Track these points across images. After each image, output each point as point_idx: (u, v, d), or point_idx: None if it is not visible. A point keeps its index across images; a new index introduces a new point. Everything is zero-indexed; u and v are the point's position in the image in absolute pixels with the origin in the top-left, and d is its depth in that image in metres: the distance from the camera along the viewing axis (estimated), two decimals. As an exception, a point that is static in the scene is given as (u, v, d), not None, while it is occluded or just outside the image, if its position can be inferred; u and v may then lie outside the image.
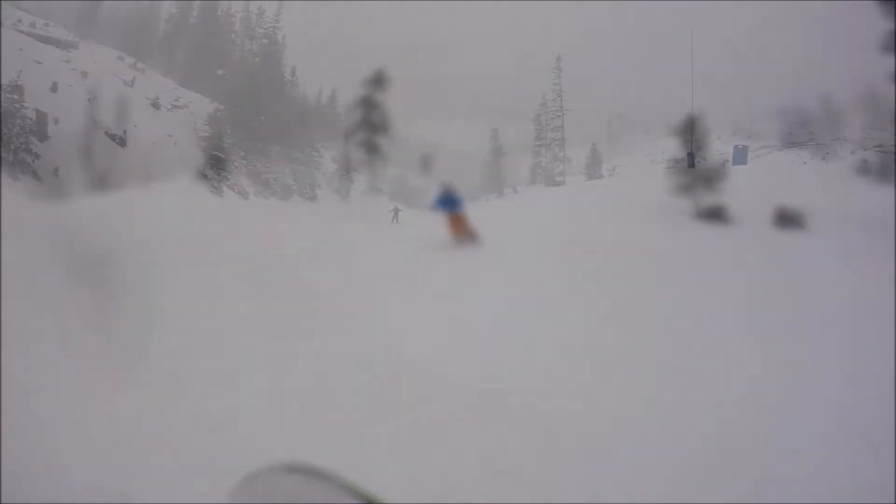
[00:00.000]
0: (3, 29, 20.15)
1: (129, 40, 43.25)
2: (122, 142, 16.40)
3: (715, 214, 14.90)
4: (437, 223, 12.63)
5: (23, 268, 6.85)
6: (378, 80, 34.15)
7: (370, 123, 31.12)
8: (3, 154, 10.29)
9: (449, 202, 12.39)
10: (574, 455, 5.22)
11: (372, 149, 30.60)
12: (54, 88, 15.39)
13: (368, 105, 32.30)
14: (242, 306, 8.42)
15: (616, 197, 17.83)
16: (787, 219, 13.06)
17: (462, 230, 12.13)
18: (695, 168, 23.58)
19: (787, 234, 12.53)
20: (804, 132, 31.88)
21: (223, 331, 7.57)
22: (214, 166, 21.29)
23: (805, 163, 29.43)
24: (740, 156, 21.91)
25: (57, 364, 5.61)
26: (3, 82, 11.08)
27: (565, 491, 4.68)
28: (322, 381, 6.60)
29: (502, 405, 6.11)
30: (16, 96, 10.95)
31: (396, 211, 26.57)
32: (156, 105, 22.08)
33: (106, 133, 16.05)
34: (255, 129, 27.11)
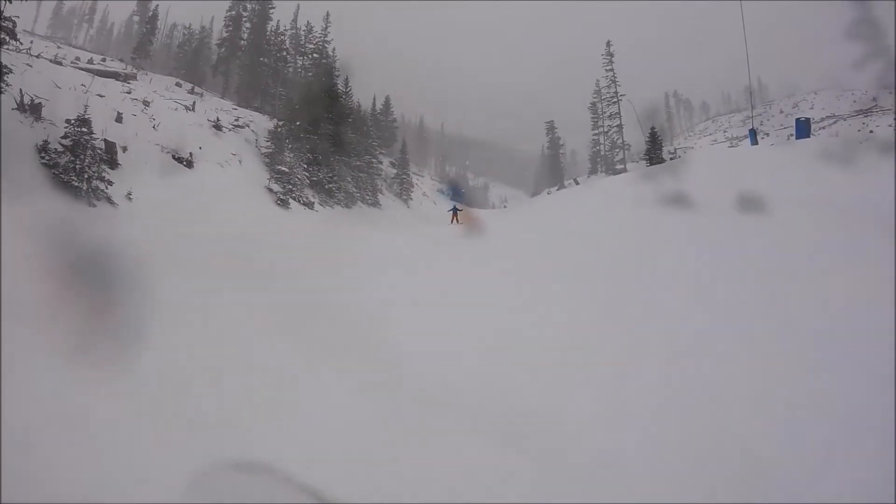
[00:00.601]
0: (66, 68, 20.85)
1: (185, 67, 44.65)
2: (189, 164, 16.59)
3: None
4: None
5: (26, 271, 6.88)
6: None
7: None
8: (77, 184, 10.40)
9: (454, 194, 14.99)
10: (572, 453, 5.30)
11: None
12: (119, 119, 15.69)
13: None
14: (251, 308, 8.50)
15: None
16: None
17: (464, 221, 15.17)
18: (757, 145, 22.49)
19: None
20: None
21: (223, 332, 7.64)
22: (279, 180, 21.48)
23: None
24: (803, 128, 20.42)
25: (57, 365, 5.59)
26: (71, 118, 11.27)
27: (564, 490, 4.75)
28: (324, 384, 6.65)
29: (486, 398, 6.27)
30: (85, 129, 11.15)
31: (455, 211, 25.61)
32: (217, 126, 22.39)
33: (173, 157, 16.26)
34: (315, 141, 27.31)
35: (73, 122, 11.29)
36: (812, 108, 62.61)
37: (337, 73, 40.81)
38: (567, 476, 5.01)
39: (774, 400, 5.48)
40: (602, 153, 52.82)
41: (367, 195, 34.39)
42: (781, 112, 66.61)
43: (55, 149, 10.74)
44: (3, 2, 9.93)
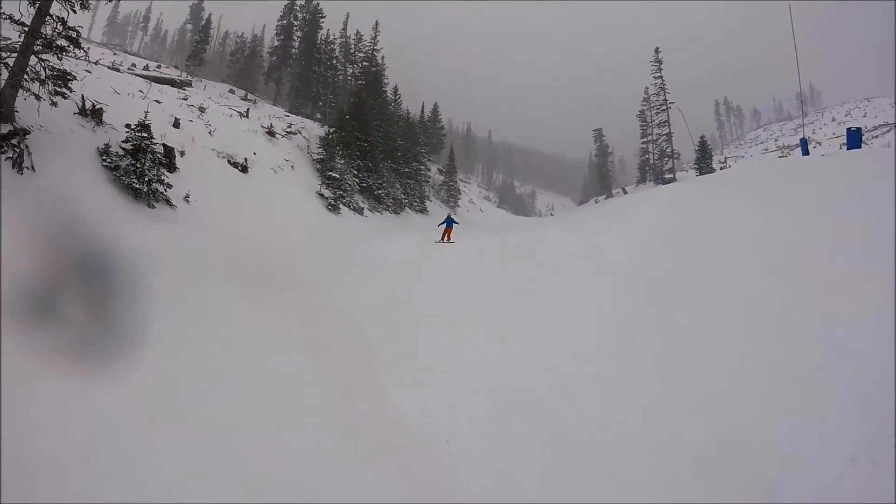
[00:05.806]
0: (124, 74, 21.28)
1: (237, 74, 45.51)
2: (244, 169, 16.67)
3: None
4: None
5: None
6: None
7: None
8: (138, 186, 10.47)
9: (448, 222, 20.56)
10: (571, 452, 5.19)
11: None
12: (177, 124, 15.88)
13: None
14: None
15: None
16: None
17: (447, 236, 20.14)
18: (808, 156, 21.62)
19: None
20: None
21: (222, 334, 7.61)
22: (330, 186, 21.55)
23: None
24: (854, 139, 19.56)
25: (56, 366, 5.58)
26: (131, 123, 11.42)
27: (563, 489, 4.69)
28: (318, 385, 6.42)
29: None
30: (145, 134, 11.26)
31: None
32: (271, 132, 22.55)
33: (229, 161, 16.34)
34: (365, 148, 27.42)
35: (133, 127, 11.41)
36: (865, 116, 60.57)
37: (386, 81, 41.11)
38: (566, 473, 4.95)
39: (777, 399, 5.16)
40: (651, 162, 51.94)
41: (416, 201, 34.37)
42: (834, 120, 64.77)
43: (116, 152, 10.84)
44: (68, 12, 10.06)
